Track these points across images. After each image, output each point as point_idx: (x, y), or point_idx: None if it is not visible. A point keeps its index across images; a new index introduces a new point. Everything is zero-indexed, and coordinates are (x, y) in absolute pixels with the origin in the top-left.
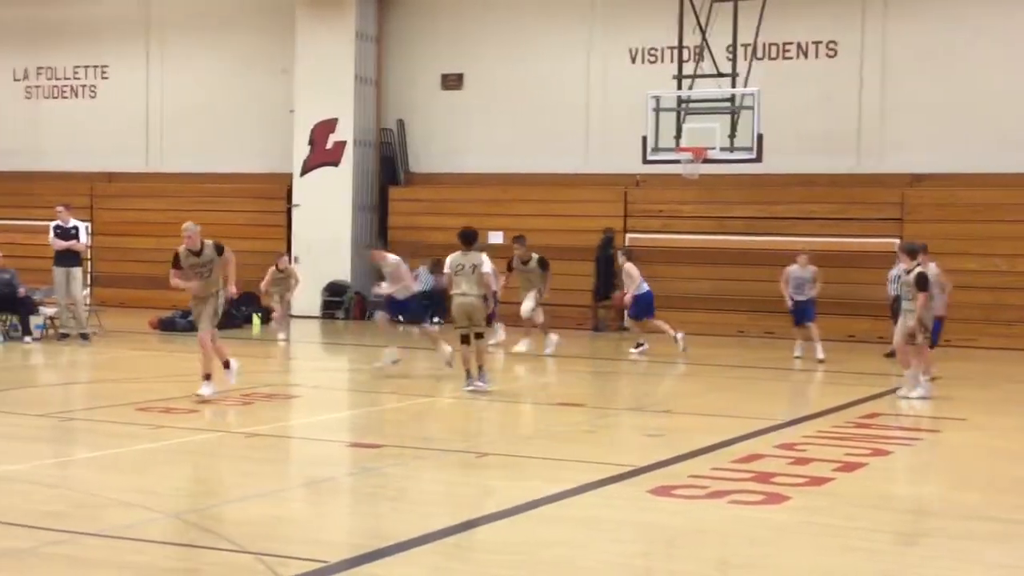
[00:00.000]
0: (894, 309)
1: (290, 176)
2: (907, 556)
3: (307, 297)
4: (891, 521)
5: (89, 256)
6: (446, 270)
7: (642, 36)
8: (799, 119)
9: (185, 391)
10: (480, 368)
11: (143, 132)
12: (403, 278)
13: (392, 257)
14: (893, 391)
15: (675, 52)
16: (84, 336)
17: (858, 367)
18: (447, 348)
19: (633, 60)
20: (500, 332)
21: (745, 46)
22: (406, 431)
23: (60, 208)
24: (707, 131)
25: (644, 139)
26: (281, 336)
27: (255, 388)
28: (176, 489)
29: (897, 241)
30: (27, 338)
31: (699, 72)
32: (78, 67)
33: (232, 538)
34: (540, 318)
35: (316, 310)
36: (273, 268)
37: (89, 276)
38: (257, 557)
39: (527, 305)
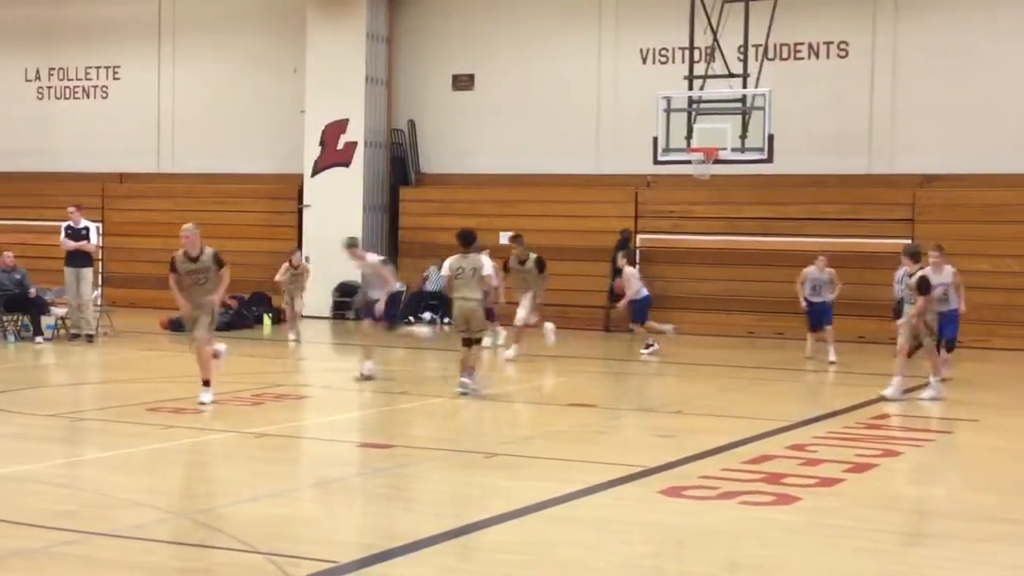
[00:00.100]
0: (896, 311)
1: (301, 177)
2: (917, 557)
3: (317, 298)
4: (901, 522)
5: (100, 256)
6: (444, 272)
7: (653, 37)
8: (810, 120)
9: (196, 392)
10: (472, 371)
11: (154, 133)
12: (388, 280)
13: (373, 256)
14: (904, 392)
15: (686, 53)
16: (88, 337)
17: (869, 368)
18: (369, 365)
19: (644, 61)
20: (501, 334)
21: (756, 46)
22: (416, 431)
23: (72, 209)
24: (718, 132)
25: (655, 140)
26: (291, 336)
27: (265, 388)
28: (186, 489)
29: (908, 242)
30: (38, 338)
31: (710, 73)
32: (90, 68)
33: (242, 538)
34: (533, 319)
35: (326, 310)
36: (287, 264)
37: (100, 276)
38: (267, 557)
39: (521, 313)
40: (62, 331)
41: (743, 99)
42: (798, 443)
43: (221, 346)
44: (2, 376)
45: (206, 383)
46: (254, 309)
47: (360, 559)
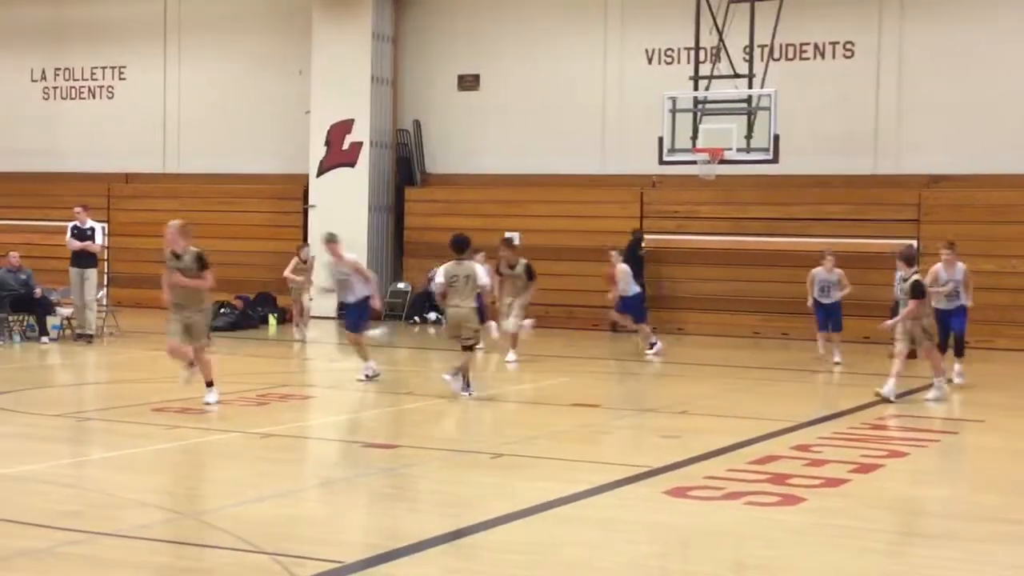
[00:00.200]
0: (894, 312)
1: (306, 177)
2: (921, 557)
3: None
4: (906, 523)
5: (106, 257)
6: (439, 279)
7: (659, 37)
8: (816, 120)
9: (201, 392)
10: (458, 372)
11: (160, 133)
12: (369, 276)
13: (350, 256)
14: (910, 393)
15: (692, 53)
16: (88, 338)
17: (874, 368)
18: (372, 365)
19: (650, 61)
20: (494, 331)
21: (762, 47)
22: (421, 432)
23: (78, 209)
24: (724, 132)
25: (660, 140)
26: (297, 337)
27: (271, 389)
28: (192, 489)
29: (914, 243)
30: (44, 338)
31: (716, 73)
32: (95, 68)
33: (248, 538)
34: (516, 328)
35: (332, 311)
36: (296, 259)
37: (106, 277)
38: (273, 557)
39: (513, 321)
40: (67, 331)
41: (748, 99)
42: (803, 444)
43: (193, 372)
44: (8, 376)
45: (209, 384)
46: (259, 309)
47: (365, 559)
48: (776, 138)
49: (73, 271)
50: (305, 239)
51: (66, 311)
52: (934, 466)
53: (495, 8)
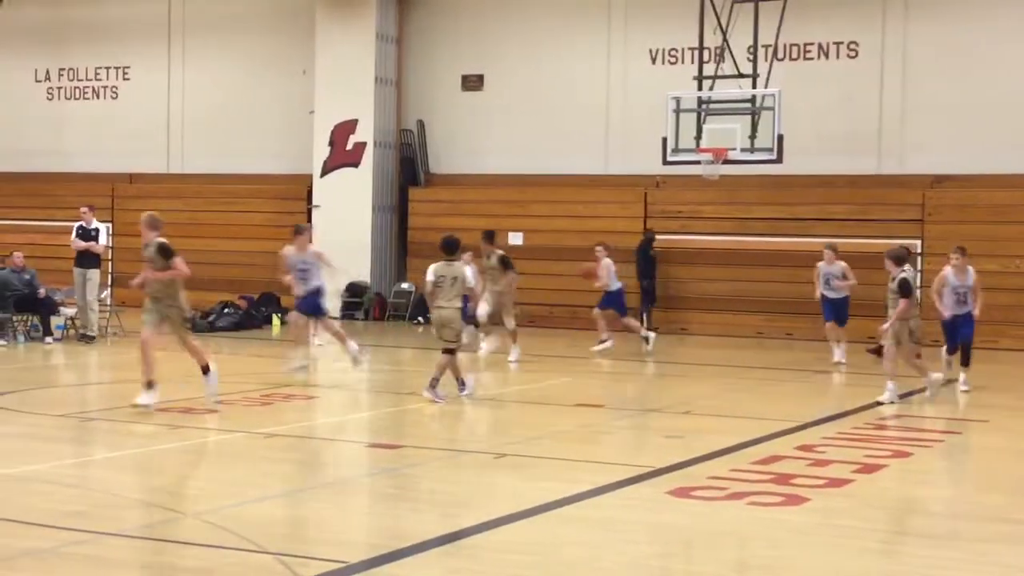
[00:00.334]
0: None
1: (310, 177)
2: (925, 558)
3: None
4: (910, 523)
5: (110, 257)
6: (429, 278)
7: (662, 37)
8: (820, 120)
9: (204, 392)
10: (436, 380)
11: (164, 133)
12: (331, 263)
13: (314, 248)
14: (914, 393)
15: (695, 53)
16: (89, 338)
17: (878, 368)
18: (353, 345)
19: (653, 61)
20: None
21: (766, 47)
22: (424, 432)
23: (84, 209)
24: (727, 132)
25: (664, 140)
26: (318, 343)
27: (274, 389)
28: (195, 489)
29: (919, 243)
30: (48, 338)
31: (719, 73)
32: (100, 68)
33: (252, 538)
34: (512, 323)
35: (336, 310)
36: None
37: (110, 277)
38: (277, 557)
39: (482, 309)
40: (71, 331)
41: (752, 99)
42: (807, 444)
43: (214, 367)
44: (11, 376)
45: (205, 369)
46: (263, 309)
47: (369, 559)
48: (780, 138)
49: (76, 271)
50: (309, 240)
51: (70, 311)
52: (938, 466)
53: (499, 8)
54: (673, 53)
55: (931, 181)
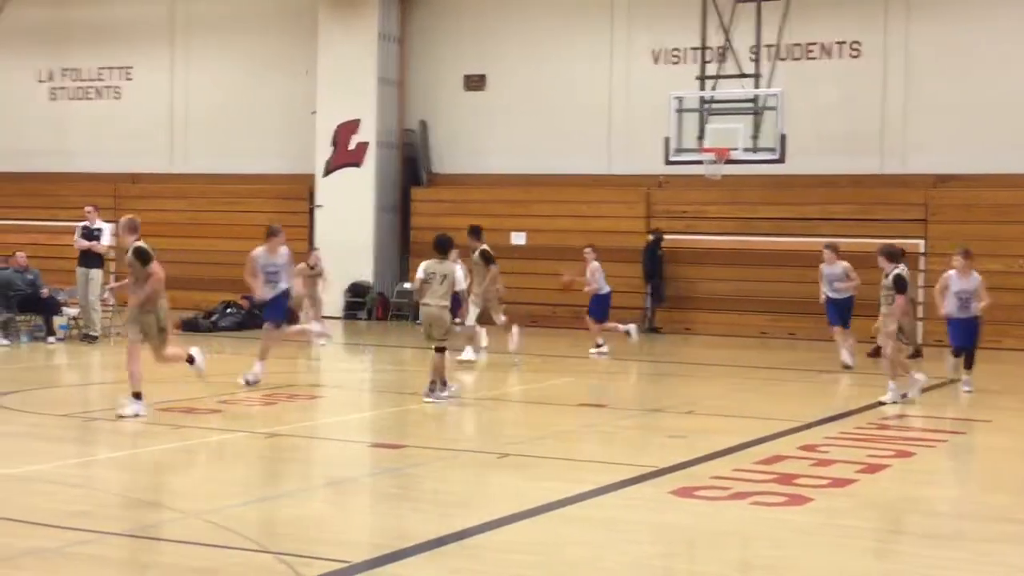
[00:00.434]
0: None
1: (312, 177)
2: (928, 558)
3: (330, 297)
4: (914, 523)
5: (113, 257)
6: (418, 275)
7: (665, 37)
8: (822, 120)
9: (207, 392)
10: (434, 383)
11: (167, 133)
12: (292, 272)
13: (285, 250)
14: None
15: (698, 53)
16: (92, 338)
17: (881, 368)
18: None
19: (656, 61)
20: (483, 338)
21: (768, 47)
22: (427, 432)
23: (89, 209)
24: (730, 132)
25: (667, 140)
26: (321, 343)
27: (277, 389)
28: (198, 489)
29: (922, 243)
30: (50, 338)
31: (722, 73)
32: (102, 69)
33: (254, 538)
34: (502, 319)
35: (338, 310)
36: (303, 264)
37: (113, 277)
38: (279, 557)
39: (472, 316)
40: (74, 331)
41: (755, 99)
42: (810, 444)
43: (198, 354)
44: (15, 376)
45: (136, 395)
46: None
47: (371, 559)
48: (782, 138)
49: (79, 271)
50: (311, 240)
51: (73, 311)
52: (941, 466)
53: (501, 8)
54: (675, 53)
55: (934, 181)
